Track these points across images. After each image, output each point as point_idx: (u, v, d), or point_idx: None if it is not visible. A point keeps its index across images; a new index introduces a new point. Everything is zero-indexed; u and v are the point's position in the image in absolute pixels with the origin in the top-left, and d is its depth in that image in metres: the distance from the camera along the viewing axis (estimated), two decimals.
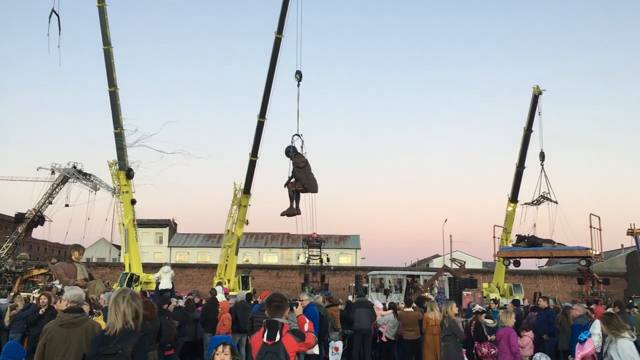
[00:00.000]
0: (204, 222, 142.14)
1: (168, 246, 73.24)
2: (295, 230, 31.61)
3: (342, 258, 69.44)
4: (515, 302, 15.47)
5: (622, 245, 53.43)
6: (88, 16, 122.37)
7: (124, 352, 4.11)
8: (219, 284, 25.13)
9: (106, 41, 31.36)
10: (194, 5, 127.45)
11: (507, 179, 78.15)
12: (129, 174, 31.88)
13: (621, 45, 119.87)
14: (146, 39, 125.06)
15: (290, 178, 21.14)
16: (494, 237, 35.98)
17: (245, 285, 32.68)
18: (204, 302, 14.29)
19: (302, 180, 20.78)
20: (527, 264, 38.72)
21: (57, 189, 36.13)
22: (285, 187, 21.36)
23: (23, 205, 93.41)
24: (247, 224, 32.99)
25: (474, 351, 10.47)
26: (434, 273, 27.52)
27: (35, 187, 43.03)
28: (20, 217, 37.07)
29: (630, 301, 26.04)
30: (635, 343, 6.45)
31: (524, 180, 36.12)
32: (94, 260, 60.41)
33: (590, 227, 31.28)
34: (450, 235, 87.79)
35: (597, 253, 31.56)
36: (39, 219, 36.78)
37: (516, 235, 34.49)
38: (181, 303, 13.91)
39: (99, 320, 7.07)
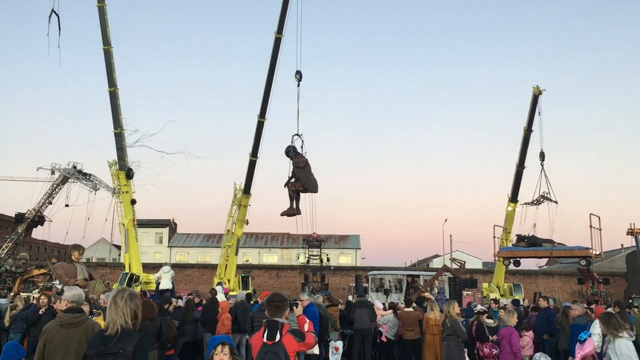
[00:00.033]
0: (204, 222, 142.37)
1: (168, 246, 73.25)
2: (295, 230, 31.63)
3: (342, 258, 69.45)
4: (515, 302, 15.47)
5: (622, 245, 53.48)
6: (88, 16, 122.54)
7: (125, 351, 4.11)
8: (219, 284, 25.16)
9: (106, 41, 31.33)
10: (194, 5, 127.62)
11: (507, 179, 78.34)
12: (129, 174, 31.86)
13: (621, 45, 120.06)
14: (146, 39, 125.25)
15: (290, 178, 21.13)
16: (494, 237, 35.98)
17: (245, 285, 32.66)
18: (204, 302, 14.30)
19: (302, 180, 20.77)
20: (527, 264, 38.74)
21: (57, 189, 36.10)
22: (285, 187, 21.35)
23: (23, 205, 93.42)
24: (247, 224, 32.97)
25: (475, 351, 10.47)
26: (434, 273, 27.54)
27: (35, 187, 43.00)
28: (20, 217, 37.04)
29: (630, 301, 26.08)
30: (635, 343, 6.46)
31: (524, 180, 36.13)
32: (94, 260, 60.40)
33: (590, 227, 31.27)
34: (450, 235, 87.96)
35: (597, 253, 31.55)
36: (39, 219, 36.75)
37: (516, 235, 34.48)
38: (181, 303, 13.91)
39: (99, 320, 7.07)
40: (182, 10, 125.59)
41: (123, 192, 31.73)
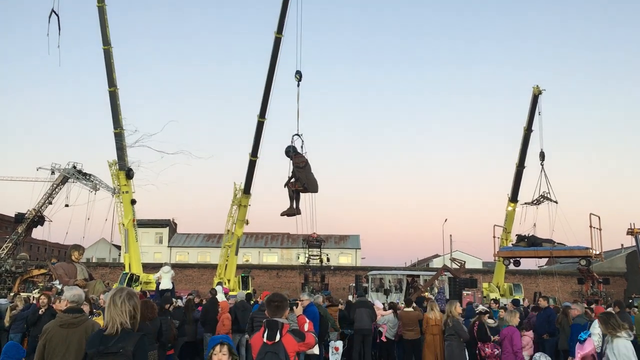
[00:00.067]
0: (204, 222, 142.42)
1: (168, 246, 73.25)
2: (295, 230, 31.67)
3: (342, 258, 69.45)
4: (515, 302, 15.47)
5: (622, 245, 53.52)
6: (88, 16, 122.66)
7: (125, 351, 4.10)
8: (219, 284, 25.14)
9: (106, 41, 31.35)
10: (193, 5, 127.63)
11: (507, 179, 78.33)
12: (129, 174, 31.87)
13: (621, 45, 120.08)
14: (146, 39, 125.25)
15: (290, 178, 21.13)
16: (494, 237, 35.97)
17: (245, 285, 32.66)
18: (204, 302, 14.30)
19: (302, 180, 20.78)
20: (527, 264, 38.75)
21: (57, 189, 36.11)
22: (285, 187, 21.35)
23: (23, 205, 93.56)
24: (247, 224, 32.98)
25: (477, 351, 10.47)
26: (434, 273, 27.55)
27: (35, 187, 42.92)
28: (20, 217, 37.05)
29: (630, 301, 26.10)
30: (634, 343, 6.46)
31: (524, 180, 36.14)
32: (94, 261, 60.39)
33: (590, 227, 31.27)
34: (450, 235, 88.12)
35: (597, 253, 31.55)
36: (38, 219, 36.76)
37: (516, 235, 34.48)
38: (181, 303, 13.91)
39: (99, 320, 7.06)
40: (182, 10, 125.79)
41: (123, 192, 31.74)
